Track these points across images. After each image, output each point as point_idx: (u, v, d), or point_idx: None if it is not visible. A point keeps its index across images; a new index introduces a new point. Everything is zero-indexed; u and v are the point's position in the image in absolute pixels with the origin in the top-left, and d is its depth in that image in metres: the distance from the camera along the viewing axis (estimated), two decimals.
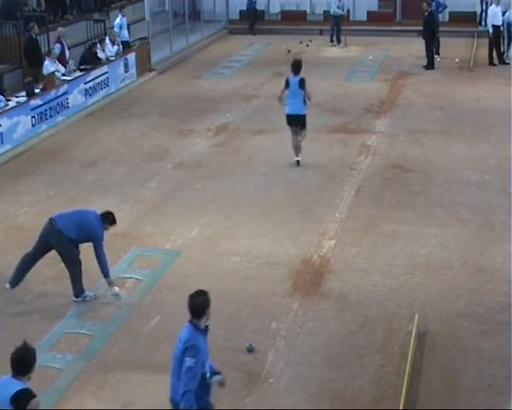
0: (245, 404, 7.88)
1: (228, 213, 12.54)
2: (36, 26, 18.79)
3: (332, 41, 26.11)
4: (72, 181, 14.17)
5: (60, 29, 19.51)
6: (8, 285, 10.12)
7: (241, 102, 19.39)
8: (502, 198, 12.88)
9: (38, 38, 18.88)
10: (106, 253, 9.78)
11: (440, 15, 24.42)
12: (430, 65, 22.31)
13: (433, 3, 23.55)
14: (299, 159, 14.65)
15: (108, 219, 9.96)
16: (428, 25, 22.29)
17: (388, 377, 8.26)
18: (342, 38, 25.84)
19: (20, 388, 5.96)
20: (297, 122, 14.48)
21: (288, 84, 14.40)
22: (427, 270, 10.56)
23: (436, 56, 22.89)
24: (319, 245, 11.37)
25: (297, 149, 14.69)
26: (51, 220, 9.88)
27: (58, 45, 18.89)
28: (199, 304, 6.45)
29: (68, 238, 9.76)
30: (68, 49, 19.47)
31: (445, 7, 24.77)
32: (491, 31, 22.18)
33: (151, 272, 10.72)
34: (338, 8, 25.76)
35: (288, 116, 14.57)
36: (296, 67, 14.53)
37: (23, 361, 6.07)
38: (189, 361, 6.33)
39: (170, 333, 9.17)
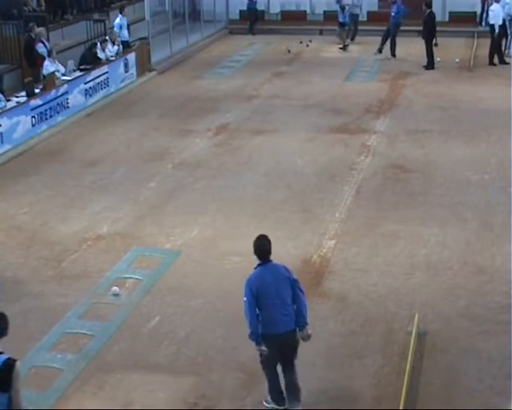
0: (245, 404, 7.87)
1: (228, 213, 12.54)
2: (36, 26, 18.75)
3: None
4: (72, 181, 14.16)
5: (39, 29, 18.93)
6: None
7: (241, 102, 19.37)
8: (502, 198, 12.87)
9: None
10: (106, 253, 9.74)
11: (438, 16, 24.38)
12: (430, 65, 22.30)
13: (395, 7, 23.62)
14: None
15: None
16: (428, 25, 22.30)
17: (388, 378, 8.26)
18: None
19: (2, 360, 6.00)
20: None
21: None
22: (427, 270, 10.54)
23: (391, 57, 23.66)
24: (319, 245, 11.36)
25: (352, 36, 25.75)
26: None
27: (41, 45, 18.73)
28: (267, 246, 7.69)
29: None
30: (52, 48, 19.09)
31: (406, 12, 24.33)
32: (497, 30, 22.10)
33: (151, 272, 10.70)
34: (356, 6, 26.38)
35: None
36: None
37: None
38: (301, 286, 7.52)
39: (170, 333, 9.20)
